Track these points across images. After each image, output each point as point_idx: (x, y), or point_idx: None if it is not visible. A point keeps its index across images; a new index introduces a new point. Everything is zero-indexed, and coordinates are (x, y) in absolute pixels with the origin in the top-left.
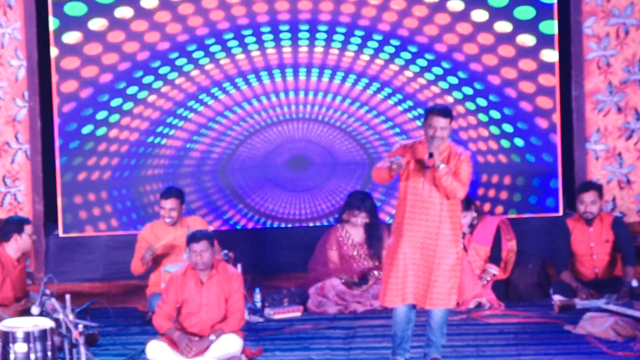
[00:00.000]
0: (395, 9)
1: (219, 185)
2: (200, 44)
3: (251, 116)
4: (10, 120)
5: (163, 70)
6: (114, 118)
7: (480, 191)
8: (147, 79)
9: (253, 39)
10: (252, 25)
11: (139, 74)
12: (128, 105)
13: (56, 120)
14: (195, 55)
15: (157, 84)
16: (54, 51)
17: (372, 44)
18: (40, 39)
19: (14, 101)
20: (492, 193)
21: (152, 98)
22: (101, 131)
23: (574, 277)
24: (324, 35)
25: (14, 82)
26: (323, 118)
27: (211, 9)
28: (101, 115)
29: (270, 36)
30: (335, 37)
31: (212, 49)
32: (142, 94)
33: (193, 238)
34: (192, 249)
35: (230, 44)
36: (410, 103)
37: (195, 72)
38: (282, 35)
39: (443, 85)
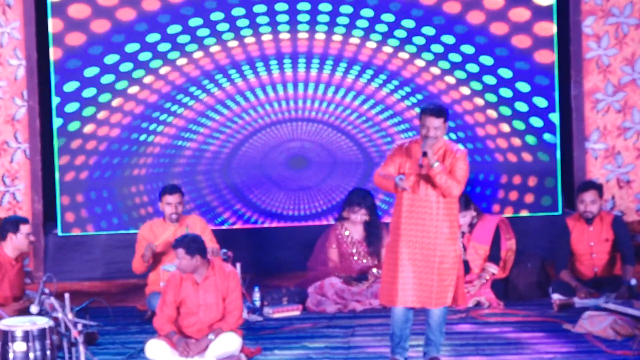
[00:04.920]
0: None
1: (222, 184)
2: (194, 36)
3: (247, 112)
4: (9, 120)
5: (156, 64)
6: (116, 118)
7: (479, 190)
8: (137, 73)
9: (250, 31)
10: (249, 17)
11: (141, 73)
12: (129, 105)
13: (55, 120)
14: (189, 48)
15: (148, 79)
16: (56, 52)
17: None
18: (40, 38)
19: (13, 100)
20: (491, 192)
21: (153, 98)
22: (102, 131)
23: (573, 276)
24: (325, 28)
25: (13, 82)
26: (322, 116)
27: (212, 9)
28: (103, 114)
29: (269, 28)
30: (336, 29)
31: (207, 41)
32: (143, 94)
33: (176, 243)
34: (175, 254)
35: (225, 36)
36: (413, 100)
37: (189, 67)
38: (280, 28)
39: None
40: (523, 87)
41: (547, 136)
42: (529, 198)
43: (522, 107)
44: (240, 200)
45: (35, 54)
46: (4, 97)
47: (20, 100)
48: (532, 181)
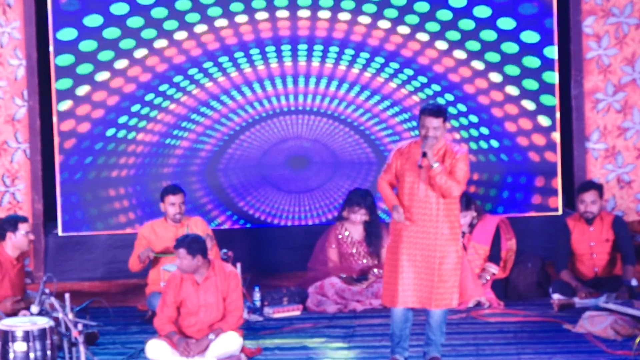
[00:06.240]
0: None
1: (218, 185)
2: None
3: (252, 117)
4: (9, 120)
5: (176, 78)
6: (122, 119)
7: (480, 190)
8: (161, 87)
9: (258, 55)
10: (256, 40)
11: (155, 82)
12: (135, 107)
13: (55, 120)
14: (205, 65)
15: (163, 87)
16: (70, 58)
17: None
18: (40, 38)
19: (13, 100)
20: (491, 192)
21: (158, 100)
22: (109, 132)
23: (574, 276)
24: (320, 54)
25: (13, 81)
26: (323, 116)
27: (222, 27)
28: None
29: (274, 54)
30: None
31: (221, 59)
32: (148, 96)
33: (178, 243)
34: (177, 254)
35: (237, 54)
36: (397, 108)
37: (204, 80)
38: (283, 53)
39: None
40: (531, 84)
41: (547, 136)
42: (529, 198)
43: (529, 105)
44: (240, 202)
45: (35, 53)
46: (4, 97)
47: (20, 100)
48: (532, 181)
